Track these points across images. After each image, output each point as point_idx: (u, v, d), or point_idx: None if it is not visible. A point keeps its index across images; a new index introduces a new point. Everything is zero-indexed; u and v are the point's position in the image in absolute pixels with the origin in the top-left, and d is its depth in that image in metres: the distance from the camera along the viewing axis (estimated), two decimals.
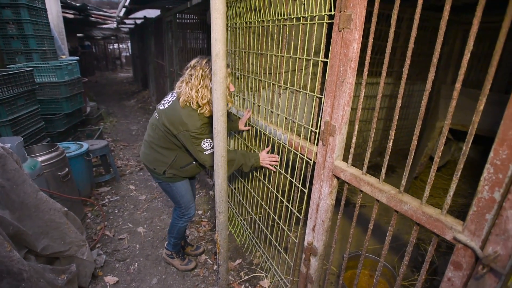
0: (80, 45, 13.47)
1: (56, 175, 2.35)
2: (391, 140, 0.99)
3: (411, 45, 0.87)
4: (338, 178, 1.27)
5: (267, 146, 1.85)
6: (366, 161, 1.11)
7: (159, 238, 2.52)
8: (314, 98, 1.36)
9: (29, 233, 1.53)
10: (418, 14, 0.85)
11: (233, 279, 2.07)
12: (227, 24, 2.15)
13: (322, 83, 1.27)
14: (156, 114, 1.78)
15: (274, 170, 1.81)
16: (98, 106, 6.81)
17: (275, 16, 1.58)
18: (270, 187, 1.90)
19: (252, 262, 2.18)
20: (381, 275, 1.14)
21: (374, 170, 3.86)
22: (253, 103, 1.99)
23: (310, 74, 1.39)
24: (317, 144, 1.36)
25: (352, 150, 1.18)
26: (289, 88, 1.57)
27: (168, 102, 1.72)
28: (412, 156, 0.93)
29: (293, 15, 1.42)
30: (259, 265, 2.13)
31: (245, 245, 2.34)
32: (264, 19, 1.68)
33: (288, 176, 1.67)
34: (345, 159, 1.26)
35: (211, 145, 1.65)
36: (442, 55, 4.14)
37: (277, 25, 1.60)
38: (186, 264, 2.16)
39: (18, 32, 4.15)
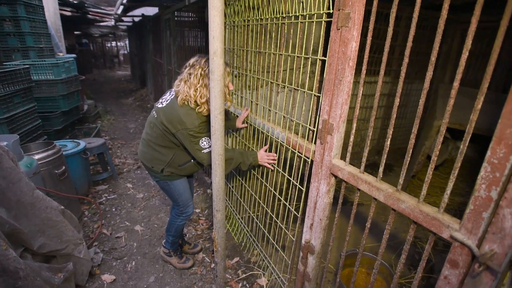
0: (77, 42, 13.39)
1: (53, 173, 2.34)
2: (389, 139, 0.99)
3: (409, 44, 0.87)
4: (335, 177, 1.27)
5: (265, 145, 1.85)
6: (364, 159, 1.11)
7: (157, 236, 2.52)
8: (312, 97, 1.36)
9: (26, 231, 1.52)
10: (417, 12, 0.85)
11: (230, 277, 2.07)
12: (225, 22, 2.14)
13: (320, 81, 1.27)
14: (154, 112, 1.77)
15: (272, 168, 1.81)
16: (96, 104, 6.78)
17: (273, 14, 1.57)
18: (268, 185, 1.90)
19: (250, 260, 2.18)
20: (378, 273, 1.14)
21: (372, 168, 3.87)
22: (251, 102, 1.98)
23: (308, 72, 1.38)
24: (315, 143, 1.36)
25: (350, 148, 1.18)
26: (287, 87, 1.56)
27: (167, 101, 1.72)
28: (409, 155, 0.93)
29: (292, 13, 1.42)
30: (257, 263, 2.14)
31: (243, 243, 2.34)
32: (262, 17, 1.67)
33: (286, 175, 1.67)
34: (342, 157, 1.26)
35: (209, 144, 1.65)
36: (440, 54, 4.15)
37: (275, 23, 1.60)
38: (183, 262, 2.16)
39: (15, 29, 4.12)
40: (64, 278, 1.63)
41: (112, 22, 11.83)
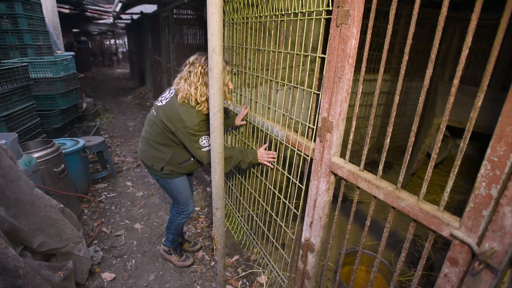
0: (76, 40, 13.35)
1: (52, 171, 2.33)
2: (389, 137, 0.99)
3: (409, 41, 0.87)
4: (335, 175, 1.27)
5: (264, 143, 1.84)
6: (364, 157, 1.11)
7: (156, 234, 2.52)
8: (312, 94, 1.36)
9: (25, 229, 1.52)
10: (417, 9, 0.84)
11: (230, 275, 2.07)
12: (224, 20, 2.13)
13: (320, 79, 1.27)
14: (153, 110, 1.76)
15: (272, 166, 1.81)
16: (95, 102, 6.76)
17: (272, 12, 1.56)
18: (267, 183, 1.90)
19: (250, 258, 2.19)
20: (378, 271, 1.14)
21: (371, 166, 3.87)
22: (251, 100, 1.98)
23: (308, 70, 1.38)
24: (314, 141, 1.36)
25: (349, 146, 1.17)
26: (286, 84, 1.56)
27: (166, 99, 1.71)
28: (409, 153, 0.93)
29: (291, 10, 1.41)
30: (257, 261, 2.14)
31: (243, 242, 2.35)
32: (261, 15, 1.67)
33: (286, 173, 1.66)
34: (342, 155, 1.26)
35: (209, 142, 1.64)
36: (439, 52, 4.14)
37: (274, 21, 1.59)
38: (183, 260, 2.16)
39: (12, 26, 4.09)
40: (64, 277, 1.63)
41: (111, 20, 11.78)
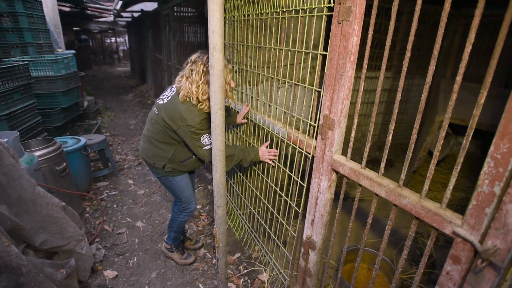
0: (76, 38, 13.34)
1: (54, 169, 2.34)
2: (391, 134, 0.98)
3: (411, 38, 0.86)
4: (337, 172, 1.27)
5: (266, 141, 1.84)
6: (365, 155, 1.10)
7: (158, 232, 2.53)
8: (313, 92, 1.35)
9: (27, 228, 1.53)
10: (419, 5, 0.83)
11: (232, 272, 2.08)
12: (225, 17, 2.12)
13: (321, 76, 1.26)
14: (155, 108, 1.76)
15: (273, 164, 1.81)
16: (96, 100, 6.77)
17: (273, 9, 1.56)
18: (269, 181, 1.90)
19: (251, 256, 2.19)
20: (379, 269, 1.14)
21: (372, 164, 3.86)
22: (252, 97, 1.97)
23: (309, 67, 1.37)
24: (316, 138, 1.36)
25: (351, 144, 1.17)
26: (287, 82, 1.55)
27: (167, 97, 1.71)
28: (411, 150, 0.92)
29: (292, 7, 1.40)
30: (258, 259, 2.14)
31: (244, 239, 2.35)
32: (262, 12, 1.66)
33: (287, 170, 1.66)
34: (344, 153, 1.25)
35: (211, 140, 1.64)
36: (441, 49, 4.12)
37: (275, 18, 1.58)
38: (185, 258, 2.17)
39: (13, 25, 4.09)
40: (67, 274, 1.64)
41: (111, 18, 11.77)
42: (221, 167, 1.39)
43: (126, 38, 17.22)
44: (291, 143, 1.56)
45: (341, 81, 1.13)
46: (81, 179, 2.93)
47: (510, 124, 0.67)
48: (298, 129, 1.54)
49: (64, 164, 2.43)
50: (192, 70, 1.60)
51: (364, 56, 1.04)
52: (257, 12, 1.70)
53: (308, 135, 1.45)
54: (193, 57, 1.64)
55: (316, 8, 1.26)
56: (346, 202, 2.88)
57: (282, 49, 1.56)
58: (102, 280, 2.00)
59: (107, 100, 7.66)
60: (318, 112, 1.29)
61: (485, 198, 0.73)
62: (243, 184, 2.32)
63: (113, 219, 2.69)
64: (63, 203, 1.82)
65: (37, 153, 2.24)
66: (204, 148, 1.65)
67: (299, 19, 1.38)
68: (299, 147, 1.49)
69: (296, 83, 1.47)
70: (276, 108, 1.71)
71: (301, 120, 1.49)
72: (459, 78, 0.77)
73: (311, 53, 1.34)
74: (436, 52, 0.81)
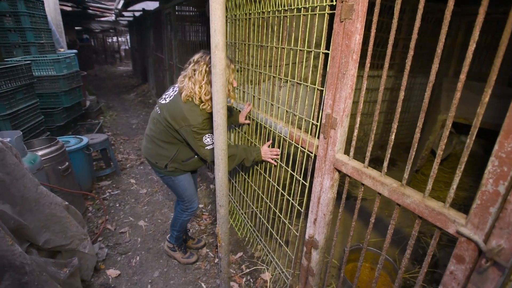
0: (78, 38, 13.36)
1: (56, 169, 2.35)
2: (393, 133, 0.98)
3: (414, 36, 0.86)
4: (339, 172, 1.27)
5: (268, 140, 1.84)
6: (368, 154, 1.10)
7: (160, 231, 2.53)
8: (315, 91, 1.35)
9: (30, 227, 1.53)
10: (422, 3, 0.83)
11: (234, 272, 2.08)
12: (226, 16, 2.11)
13: (323, 75, 1.26)
14: (157, 108, 1.76)
15: (275, 164, 1.80)
16: (98, 100, 6.77)
17: (275, 7, 1.55)
18: (271, 180, 1.90)
19: (253, 255, 2.19)
20: (382, 268, 1.14)
21: (374, 163, 3.85)
22: (253, 96, 1.97)
23: (311, 66, 1.37)
24: (318, 137, 1.35)
25: (353, 143, 1.17)
26: (289, 81, 1.55)
27: (170, 97, 1.71)
28: (414, 149, 0.92)
29: (294, 5, 1.39)
30: (260, 258, 2.14)
31: (246, 239, 2.35)
32: (264, 10, 1.65)
33: (289, 170, 1.66)
34: (346, 152, 1.25)
35: (213, 140, 1.64)
36: (444, 48, 4.09)
37: (277, 16, 1.57)
38: (188, 257, 2.17)
39: (15, 25, 4.10)
40: (70, 273, 1.64)
41: (113, 17, 11.78)
42: (223, 166, 1.39)
43: (128, 37, 17.24)
44: (293, 142, 1.55)
45: (343, 79, 1.12)
46: (84, 178, 2.93)
47: None
48: (300, 128, 1.54)
49: (67, 163, 2.44)
50: (194, 70, 1.60)
51: (366, 55, 1.03)
52: (259, 11, 1.69)
53: (310, 134, 1.44)
54: (196, 57, 1.63)
55: (318, 7, 1.25)
56: (349, 202, 2.88)
57: (284, 48, 1.55)
58: (105, 279, 2.01)
59: (109, 100, 7.68)
60: (321, 111, 1.28)
61: (489, 197, 0.73)
62: (245, 183, 2.32)
63: (115, 218, 2.69)
64: (66, 203, 1.83)
65: (40, 153, 2.25)
66: (206, 148, 1.65)
67: (301, 17, 1.38)
68: (301, 146, 1.49)
69: (298, 82, 1.47)
70: (278, 107, 1.70)
71: (303, 119, 1.49)
72: (463, 77, 0.76)
73: (313, 51, 1.34)
74: (439, 50, 0.80)
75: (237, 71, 2.15)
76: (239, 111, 2.09)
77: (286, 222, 1.80)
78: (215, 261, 2.20)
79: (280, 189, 1.80)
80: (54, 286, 1.47)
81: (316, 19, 1.31)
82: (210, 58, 1.59)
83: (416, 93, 4.29)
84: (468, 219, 0.78)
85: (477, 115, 0.73)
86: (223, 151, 1.37)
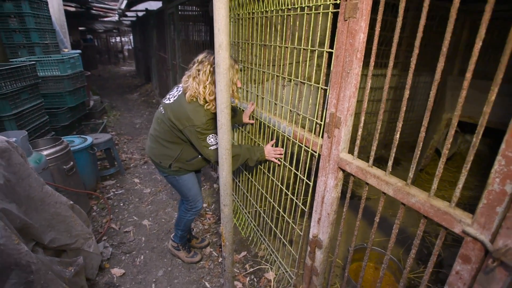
0: (82, 38, 13.45)
1: (61, 168, 2.36)
2: (398, 132, 0.97)
3: (419, 34, 0.85)
4: (343, 171, 1.26)
5: (271, 139, 1.84)
6: (373, 153, 1.09)
7: (164, 230, 2.54)
8: (319, 90, 1.34)
9: (36, 226, 1.55)
10: (428, 1, 0.82)
11: (238, 271, 2.08)
12: (229, 15, 2.11)
13: (327, 74, 1.25)
14: (161, 108, 1.77)
15: (279, 163, 1.80)
16: (102, 99, 6.82)
17: (278, 6, 1.55)
18: (274, 180, 1.90)
19: (257, 255, 2.19)
20: (386, 268, 1.13)
21: (378, 162, 3.84)
22: (257, 96, 1.97)
23: (315, 65, 1.36)
24: (322, 137, 1.35)
25: (358, 142, 1.16)
26: (293, 80, 1.54)
27: (174, 97, 1.71)
28: (419, 148, 0.91)
29: (297, 4, 1.39)
30: (264, 258, 2.15)
31: (250, 238, 2.35)
32: (267, 9, 1.65)
33: (293, 169, 1.66)
34: (350, 151, 1.24)
35: (217, 141, 1.64)
36: (448, 46, 4.06)
37: (280, 16, 1.57)
38: (192, 256, 2.18)
39: (20, 25, 4.13)
40: (75, 272, 1.65)
41: (116, 17, 11.81)
42: (227, 166, 1.39)
43: (131, 37, 17.31)
44: (297, 141, 1.55)
45: (347, 78, 1.12)
46: (88, 178, 2.95)
47: None
48: (304, 128, 1.54)
49: (72, 163, 2.46)
50: (199, 70, 1.60)
51: (370, 53, 1.03)
52: (262, 10, 1.69)
53: (314, 133, 1.44)
54: (200, 57, 1.63)
55: (321, 5, 1.25)
56: (353, 201, 2.87)
57: (287, 47, 1.55)
58: (109, 278, 2.02)
59: (112, 100, 7.72)
60: (324, 110, 1.28)
61: (496, 196, 0.72)
62: (249, 183, 2.32)
63: (119, 217, 2.71)
64: (71, 202, 1.84)
65: (45, 152, 2.27)
66: (210, 148, 1.65)
67: (305, 16, 1.38)
68: (305, 146, 1.48)
69: (302, 81, 1.47)
70: (282, 107, 1.70)
71: (307, 119, 1.49)
72: (469, 75, 0.76)
73: (317, 50, 1.33)
74: (445, 49, 0.80)
75: (241, 70, 2.15)
76: (243, 110, 2.09)
77: (290, 222, 1.80)
78: (219, 260, 2.20)
79: (284, 188, 1.80)
80: (59, 284, 1.48)
81: (320, 18, 1.30)
82: (214, 58, 1.59)
83: (420, 91, 4.25)
84: (474, 219, 0.77)
85: (483, 114, 0.72)
86: (227, 150, 1.37)
